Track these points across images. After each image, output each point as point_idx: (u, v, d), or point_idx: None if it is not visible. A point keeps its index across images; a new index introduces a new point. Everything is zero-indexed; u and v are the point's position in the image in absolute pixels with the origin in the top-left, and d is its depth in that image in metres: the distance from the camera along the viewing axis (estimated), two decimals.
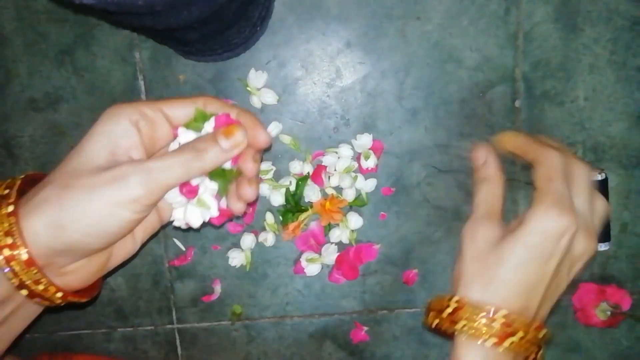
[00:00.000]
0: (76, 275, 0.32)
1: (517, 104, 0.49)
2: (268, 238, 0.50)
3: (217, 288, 0.52)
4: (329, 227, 0.50)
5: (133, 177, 0.30)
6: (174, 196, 0.33)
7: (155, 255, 0.51)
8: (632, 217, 0.51)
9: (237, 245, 0.51)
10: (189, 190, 0.33)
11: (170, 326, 0.53)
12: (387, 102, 0.49)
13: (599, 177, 0.44)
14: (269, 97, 0.48)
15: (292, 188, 0.49)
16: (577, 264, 0.37)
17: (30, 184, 0.33)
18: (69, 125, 0.49)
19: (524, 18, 0.47)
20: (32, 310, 0.34)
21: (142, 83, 0.48)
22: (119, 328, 0.53)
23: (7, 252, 0.29)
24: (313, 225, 0.50)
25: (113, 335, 0.53)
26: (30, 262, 0.30)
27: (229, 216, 0.36)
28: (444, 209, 0.50)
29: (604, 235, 0.46)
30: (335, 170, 0.48)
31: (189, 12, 0.33)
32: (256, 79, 0.47)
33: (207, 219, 0.35)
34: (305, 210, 0.49)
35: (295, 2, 0.47)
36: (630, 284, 0.52)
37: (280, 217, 0.50)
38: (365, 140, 0.48)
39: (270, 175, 0.49)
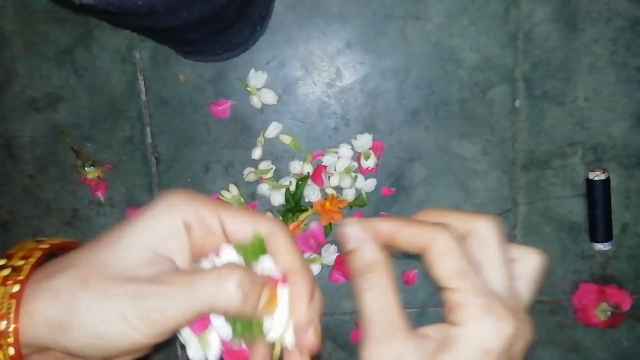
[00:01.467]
0: None
1: (517, 104, 0.49)
2: None
3: None
4: (329, 227, 0.50)
5: (155, 297, 0.25)
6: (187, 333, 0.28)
7: None
8: (633, 217, 0.51)
9: None
10: (198, 324, 0.28)
11: None
12: (387, 102, 0.49)
13: (602, 177, 0.44)
14: (269, 97, 0.48)
15: (292, 188, 0.49)
16: (518, 357, 0.27)
17: (59, 252, 0.28)
18: (69, 125, 0.49)
19: (524, 18, 0.47)
20: None
21: (142, 83, 0.48)
22: None
23: None
24: (313, 225, 0.50)
25: None
26: (16, 359, 0.25)
27: (244, 359, 0.30)
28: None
29: (606, 234, 0.46)
30: (335, 170, 0.48)
31: (189, 12, 0.33)
32: (256, 79, 0.47)
33: None
34: (305, 210, 0.49)
35: (295, 2, 0.47)
36: (631, 284, 0.52)
37: (280, 217, 0.50)
38: (365, 140, 0.48)
39: (270, 175, 0.49)
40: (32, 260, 0.27)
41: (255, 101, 0.48)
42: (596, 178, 0.46)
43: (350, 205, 0.50)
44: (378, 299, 0.27)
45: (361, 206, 0.50)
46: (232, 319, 0.27)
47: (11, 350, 0.25)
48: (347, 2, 0.47)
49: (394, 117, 0.49)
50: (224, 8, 0.36)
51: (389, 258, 0.27)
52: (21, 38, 0.47)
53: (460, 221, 0.27)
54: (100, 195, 0.50)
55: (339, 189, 0.49)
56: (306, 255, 0.50)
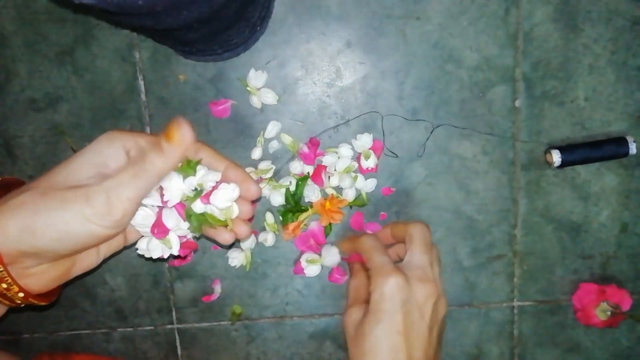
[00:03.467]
0: (38, 278, 0.33)
1: (517, 104, 0.49)
2: (268, 238, 0.50)
3: (217, 288, 0.52)
4: (329, 227, 0.50)
5: (96, 195, 0.31)
6: (144, 225, 0.35)
7: None
8: (633, 217, 0.51)
9: (237, 245, 0.51)
10: (159, 232, 0.34)
11: (170, 326, 0.53)
12: (387, 102, 0.49)
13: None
14: (269, 97, 0.48)
15: (292, 188, 0.49)
16: (427, 308, 0.41)
17: (6, 188, 0.33)
18: (69, 125, 0.49)
19: (524, 18, 0.47)
20: None
21: (141, 83, 0.48)
22: (118, 328, 0.53)
23: None
24: (313, 226, 0.50)
25: (113, 335, 0.53)
26: None
27: (194, 248, 0.39)
28: (444, 209, 0.50)
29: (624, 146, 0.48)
30: (335, 170, 0.48)
31: (189, 12, 0.33)
32: (256, 78, 0.47)
33: (166, 255, 0.37)
34: (305, 210, 0.49)
35: (295, 2, 0.47)
36: (631, 284, 0.52)
37: (280, 217, 0.50)
38: (365, 140, 0.48)
39: (270, 175, 0.49)
40: None
41: (255, 101, 0.48)
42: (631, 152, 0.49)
43: (350, 205, 0.50)
44: (353, 285, 0.46)
45: (361, 206, 0.50)
46: (191, 216, 0.35)
47: None
48: (347, 2, 0.47)
49: (394, 117, 0.49)
50: (224, 8, 0.36)
51: (363, 265, 0.45)
52: (21, 38, 0.47)
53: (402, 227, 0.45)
54: None
55: (339, 189, 0.49)
56: (306, 256, 0.50)
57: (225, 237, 0.37)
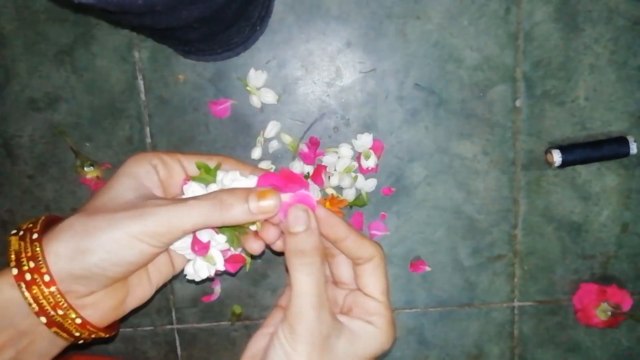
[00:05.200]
0: (94, 309, 0.33)
1: (518, 103, 0.49)
2: None
3: (217, 288, 0.52)
4: None
5: (154, 216, 0.31)
6: (184, 248, 0.34)
7: None
8: (633, 217, 0.51)
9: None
10: (200, 248, 0.34)
11: (170, 326, 0.53)
12: (387, 102, 0.48)
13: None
14: (269, 97, 0.48)
15: None
16: None
17: (50, 224, 0.33)
18: (69, 125, 0.49)
19: (525, 18, 0.47)
20: (48, 347, 0.34)
21: (141, 82, 0.48)
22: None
23: (28, 276, 0.30)
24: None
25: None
26: (51, 283, 0.30)
27: (242, 262, 0.37)
28: (444, 209, 0.50)
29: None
30: (335, 170, 0.48)
31: (188, 11, 0.33)
32: (256, 78, 0.47)
33: (213, 273, 0.36)
34: None
35: (295, 2, 0.47)
36: (631, 284, 0.52)
37: None
38: (365, 140, 0.48)
39: None
40: (39, 221, 0.32)
41: (255, 101, 0.48)
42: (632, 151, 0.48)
43: (350, 205, 0.50)
44: (311, 278, 0.32)
45: (361, 206, 0.50)
46: (223, 229, 0.34)
47: (46, 278, 0.30)
48: (347, 2, 0.47)
49: (393, 117, 0.49)
50: (224, 8, 0.36)
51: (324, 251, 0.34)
52: (21, 38, 0.47)
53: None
54: None
55: (339, 189, 0.49)
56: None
57: (253, 247, 0.35)
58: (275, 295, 0.52)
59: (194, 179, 0.35)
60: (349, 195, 0.49)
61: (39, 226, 0.32)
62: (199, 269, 0.35)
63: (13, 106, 0.49)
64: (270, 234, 0.34)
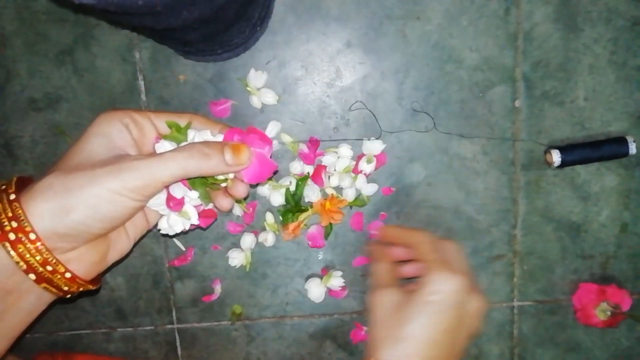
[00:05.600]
0: (78, 263, 0.33)
1: (517, 104, 0.49)
2: (268, 238, 0.50)
3: (217, 288, 0.52)
4: (330, 228, 0.50)
5: (133, 170, 0.32)
6: (158, 204, 0.36)
7: (155, 256, 0.51)
8: (633, 217, 0.51)
9: (237, 245, 0.51)
10: (175, 204, 0.35)
11: (170, 326, 0.53)
12: (387, 102, 0.49)
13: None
14: (269, 97, 0.48)
15: (292, 188, 0.49)
16: (474, 320, 0.41)
17: (23, 185, 0.34)
18: (69, 125, 0.49)
19: (524, 18, 0.47)
20: (35, 303, 0.34)
21: (142, 83, 0.48)
22: (119, 328, 0.53)
23: (12, 236, 0.30)
24: (312, 229, 0.50)
25: (113, 335, 0.53)
26: (37, 241, 0.31)
27: (214, 217, 0.39)
28: (444, 209, 0.50)
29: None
30: (335, 170, 0.48)
31: (189, 12, 0.33)
32: (256, 79, 0.47)
33: (187, 227, 0.38)
34: (305, 210, 0.49)
35: (295, 2, 0.47)
36: (631, 284, 0.52)
37: (280, 217, 0.50)
38: (375, 146, 0.48)
39: None
40: (12, 181, 0.33)
41: (255, 101, 0.48)
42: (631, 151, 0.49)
43: (350, 205, 0.50)
44: (381, 268, 0.45)
45: (361, 206, 0.50)
46: (196, 185, 0.35)
47: (32, 236, 0.30)
48: (347, 2, 0.47)
49: (393, 117, 0.49)
50: (224, 8, 0.36)
51: (388, 253, 0.47)
52: (21, 38, 0.47)
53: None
54: None
55: (339, 189, 0.49)
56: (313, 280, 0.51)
57: (222, 204, 0.38)
58: (275, 295, 0.52)
59: (165, 137, 0.36)
60: (349, 195, 0.49)
61: (13, 187, 0.32)
62: (173, 224, 0.37)
63: (13, 106, 0.49)
64: (240, 190, 0.37)
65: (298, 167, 0.49)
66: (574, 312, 0.52)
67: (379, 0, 0.47)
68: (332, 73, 0.48)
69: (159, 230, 0.38)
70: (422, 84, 0.48)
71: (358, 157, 0.49)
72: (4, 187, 0.32)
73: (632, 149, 0.48)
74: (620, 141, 0.48)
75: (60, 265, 0.32)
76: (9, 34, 0.47)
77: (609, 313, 0.51)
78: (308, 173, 0.48)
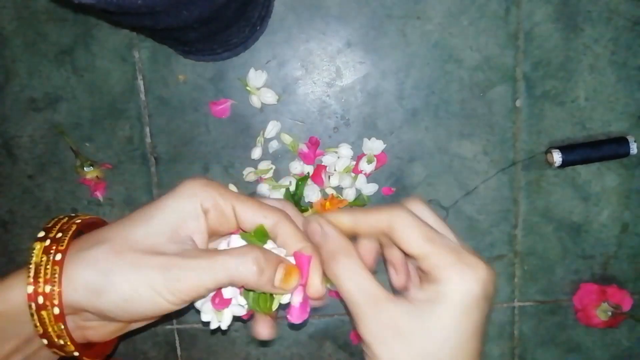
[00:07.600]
0: (96, 331, 0.33)
1: (518, 103, 0.49)
2: None
3: None
4: None
5: (180, 269, 0.29)
6: (202, 301, 0.32)
7: None
8: (633, 217, 0.51)
9: None
10: (220, 303, 0.32)
11: (170, 327, 0.53)
12: (387, 102, 0.48)
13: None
14: (269, 97, 0.48)
15: (292, 188, 0.49)
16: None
17: (87, 227, 0.32)
18: (69, 125, 0.49)
19: (525, 18, 0.47)
20: (51, 354, 0.34)
21: (141, 83, 0.48)
22: None
23: (41, 300, 0.29)
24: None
25: None
26: (59, 318, 0.30)
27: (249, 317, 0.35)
28: (444, 209, 0.50)
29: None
30: (335, 170, 0.48)
31: (188, 12, 0.33)
32: (256, 78, 0.47)
33: (213, 326, 0.34)
34: (305, 210, 0.49)
35: (295, 1, 0.47)
36: (631, 285, 0.52)
37: None
38: (376, 145, 0.48)
39: (270, 175, 0.49)
40: (69, 233, 0.30)
41: (255, 101, 0.48)
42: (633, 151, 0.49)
43: (351, 205, 0.50)
44: (353, 280, 0.30)
45: (361, 206, 0.50)
46: (248, 292, 0.31)
47: (56, 310, 0.29)
48: (347, 2, 0.47)
49: (393, 117, 0.49)
50: (224, 8, 0.36)
51: (352, 243, 0.31)
52: (21, 38, 0.47)
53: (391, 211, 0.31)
54: (99, 195, 0.50)
55: (339, 188, 0.49)
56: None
57: (259, 331, 0.32)
58: None
59: (243, 236, 0.32)
60: (349, 195, 0.49)
61: (66, 243, 0.30)
62: (205, 311, 0.33)
63: (13, 106, 0.49)
64: (263, 330, 0.32)
65: (298, 167, 0.48)
66: (575, 312, 0.52)
67: (379, 0, 0.47)
68: (332, 73, 0.48)
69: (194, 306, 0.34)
70: (422, 84, 0.48)
71: (358, 157, 0.49)
72: (59, 235, 0.30)
73: (633, 149, 0.48)
74: (620, 141, 0.48)
75: (71, 345, 0.30)
76: (8, 34, 0.47)
77: (609, 313, 0.50)
78: (308, 173, 0.48)
